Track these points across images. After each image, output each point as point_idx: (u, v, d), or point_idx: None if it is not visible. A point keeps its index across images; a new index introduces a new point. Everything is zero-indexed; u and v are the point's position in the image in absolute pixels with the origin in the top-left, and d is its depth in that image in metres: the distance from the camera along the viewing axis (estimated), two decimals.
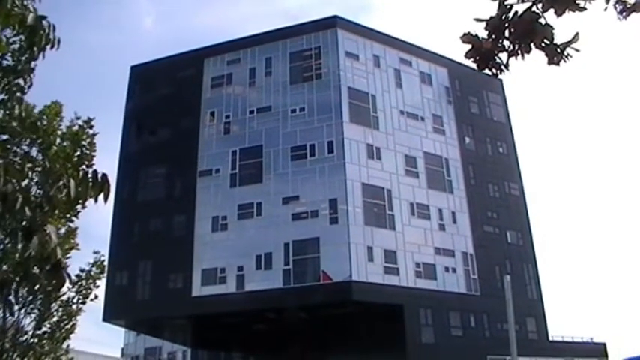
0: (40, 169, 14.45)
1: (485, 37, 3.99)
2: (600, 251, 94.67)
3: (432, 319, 35.02)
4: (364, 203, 34.37)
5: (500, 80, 45.02)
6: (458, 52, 44.09)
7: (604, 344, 40.33)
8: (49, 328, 19.91)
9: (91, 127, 17.58)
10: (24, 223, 3.98)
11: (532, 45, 3.97)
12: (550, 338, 38.85)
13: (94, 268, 21.23)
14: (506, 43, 4.01)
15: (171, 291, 35.66)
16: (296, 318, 35.76)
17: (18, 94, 6.37)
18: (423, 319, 34.79)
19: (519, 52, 4.00)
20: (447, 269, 36.13)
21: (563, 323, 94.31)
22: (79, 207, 16.52)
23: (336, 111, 36.05)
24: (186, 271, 35.33)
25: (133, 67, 43.28)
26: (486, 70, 4.05)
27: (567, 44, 3.95)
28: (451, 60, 42.33)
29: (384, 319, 34.26)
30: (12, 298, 4.96)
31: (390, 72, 39.49)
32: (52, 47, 4.65)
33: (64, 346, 20.95)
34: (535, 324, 38.63)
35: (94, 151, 17.20)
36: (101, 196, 4.11)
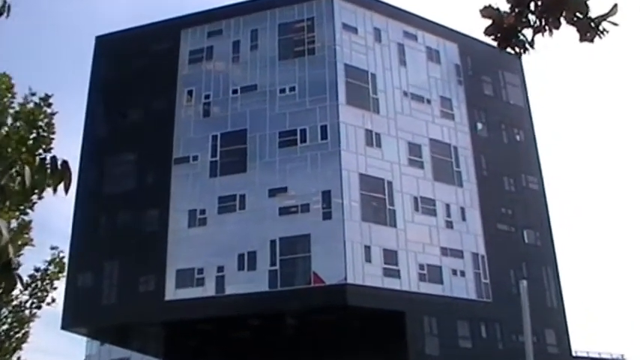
0: None
1: (508, 10, 3.90)
2: (633, 254, 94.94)
3: (438, 328, 35.32)
4: (361, 196, 34.52)
5: (519, 58, 45.14)
6: (470, 24, 44.19)
7: None
8: None
9: (48, 106, 17.31)
10: None
11: (562, 19, 3.88)
12: (573, 353, 39.23)
13: (51, 267, 21.05)
14: (531, 17, 3.92)
15: (142, 294, 35.70)
16: (283, 325, 36.01)
17: None
18: (427, 328, 35.08)
19: (547, 27, 3.90)
20: (454, 272, 36.36)
21: (588, 336, 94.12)
22: (34, 197, 16.34)
23: (331, 91, 36.08)
24: (158, 271, 35.40)
25: (98, 38, 43.01)
26: (508, 49, 3.96)
27: (603, 17, 3.86)
28: (462, 34, 42.43)
29: (383, 328, 34.45)
30: None
31: (392, 47, 39.50)
32: (0, 15, 4.54)
33: (15, 358, 20.75)
34: (555, 336, 38.97)
35: (53, 133, 16.98)
36: (61, 186, 4.06)
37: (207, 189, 36.30)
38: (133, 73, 40.53)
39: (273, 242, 33.82)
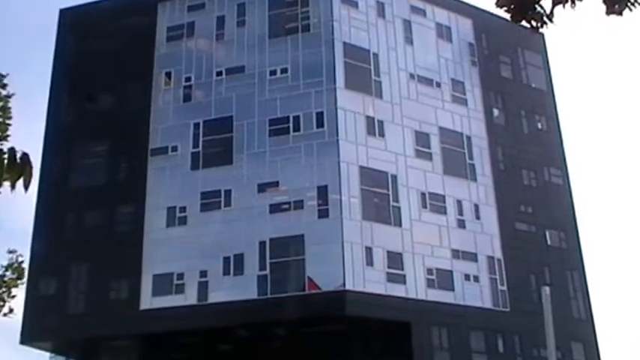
0: None
1: None
2: None
3: (448, 341, 35.48)
4: (362, 192, 34.74)
5: (542, 35, 45.26)
6: None
7: None
8: None
9: (3, 87, 17.21)
10: None
11: None
12: None
13: (8, 273, 21.01)
14: None
15: (114, 303, 35.82)
16: (274, 337, 36.07)
17: None
18: (436, 341, 35.22)
19: None
20: (467, 277, 36.56)
21: (620, 351, 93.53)
22: None
23: (328, 74, 36.20)
24: (133, 277, 35.55)
25: (63, 12, 42.93)
26: (524, 23, 3.94)
27: None
28: (477, 9, 42.51)
29: (387, 341, 34.71)
30: None
31: (397, 24, 39.62)
32: None
33: None
34: (583, 351, 39.16)
35: (9, 118, 16.87)
36: (20, 181, 4.02)
37: (189, 184, 36.47)
38: (104, 51, 40.49)
39: (262, 244, 34.01)
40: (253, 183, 35.37)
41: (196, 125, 37.44)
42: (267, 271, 33.72)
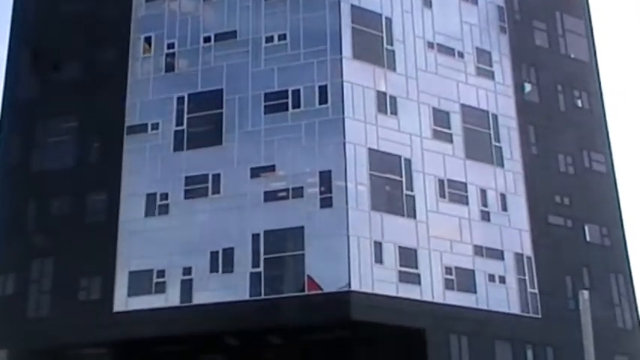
0: None
1: None
2: None
3: (469, 351, 35.83)
4: (371, 178, 35.23)
5: None
6: None
7: None
8: None
9: None
10: None
11: None
12: None
13: None
14: None
15: (83, 304, 36.37)
16: (268, 346, 36.59)
17: None
18: (454, 352, 35.56)
19: None
20: (491, 278, 37.15)
21: None
22: None
23: (333, 41, 36.66)
24: (106, 274, 36.13)
25: None
26: None
27: None
28: None
29: (398, 350, 35.02)
30: None
31: None
32: None
33: None
34: None
35: None
36: None
37: (171, 167, 37.01)
38: (72, 13, 41.04)
39: (255, 237, 34.56)
40: (246, 167, 35.73)
41: (180, 99, 37.84)
42: (261, 269, 34.10)
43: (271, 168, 35.83)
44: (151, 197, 36.95)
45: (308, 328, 34.55)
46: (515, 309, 37.43)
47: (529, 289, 38.03)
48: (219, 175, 36.29)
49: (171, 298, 35.25)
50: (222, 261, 34.94)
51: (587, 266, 40.48)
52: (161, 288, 35.49)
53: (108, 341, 36.43)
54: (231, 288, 34.47)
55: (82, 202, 38.40)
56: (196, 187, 36.45)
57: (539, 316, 37.78)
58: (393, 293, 34.15)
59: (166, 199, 36.76)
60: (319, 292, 33.46)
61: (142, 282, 35.71)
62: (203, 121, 37.56)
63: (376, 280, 33.90)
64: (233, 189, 35.89)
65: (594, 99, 45.08)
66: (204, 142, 37.15)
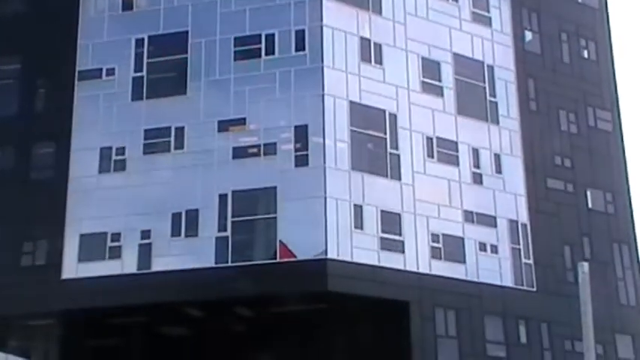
0: None
1: None
2: None
3: (457, 327, 37.06)
4: (352, 135, 36.12)
5: None
6: None
7: None
8: None
9: None
10: None
11: None
12: None
13: None
14: None
15: (28, 271, 37.13)
16: (235, 319, 37.63)
17: None
18: (440, 328, 36.70)
19: None
20: (482, 247, 38.25)
21: None
22: None
23: None
24: (53, 237, 36.86)
25: None
26: None
27: None
28: None
29: (378, 325, 36.13)
30: None
31: None
32: None
33: None
34: (632, 346, 41.14)
35: None
36: None
37: (129, 118, 37.64)
38: None
39: (223, 197, 35.44)
40: (213, 120, 36.48)
41: (139, 42, 38.39)
42: (229, 233, 34.92)
43: (241, 121, 36.48)
44: (105, 152, 37.50)
45: (280, 299, 35.39)
46: (507, 281, 38.56)
47: (524, 260, 39.19)
48: (182, 128, 36.96)
49: (127, 264, 36.02)
50: (186, 224, 35.68)
51: (588, 235, 41.70)
52: (116, 253, 36.23)
53: (55, 312, 36.93)
54: (194, 254, 35.29)
55: (27, 155, 39.08)
56: (157, 141, 37.10)
57: (534, 289, 38.98)
58: (374, 262, 35.13)
59: (123, 154, 37.36)
60: (293, 259, 34.25)
61: (94, 246, 36.36)
62: (165, 67, 38.07)
63: (356, 247, 34.84)
64: (198, 144, 36.58)
65: (602, 50, 45.87)
66: (166, 91, 37.76)
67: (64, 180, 37.77)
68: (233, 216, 35.46)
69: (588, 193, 42.87)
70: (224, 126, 36.73)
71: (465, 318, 37.38)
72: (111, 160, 37.60)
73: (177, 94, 37.68)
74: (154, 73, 38.24)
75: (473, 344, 37.45)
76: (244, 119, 36.70)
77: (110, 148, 37.71)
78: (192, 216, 35.84)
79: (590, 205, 42.79)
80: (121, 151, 37.60)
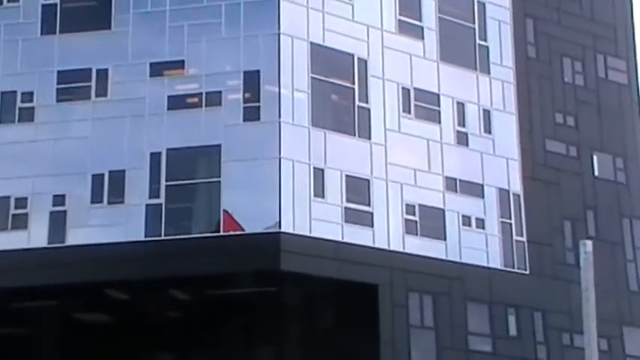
0: None
1: None
2: None
3: (434, 315, 38.54)
4: (313, 83, 37.33)
5: None
6: None
7: None
8: None
9: None
10: None
11: None
12: None
13: None
14: None
15: None
16: (168, 303, 38.83)
17: None
18: (415, 315, 38.12)
19: None
20: (466, 222, 39.84)
21: None
22: None
23: None
24: None
25: None
26: None
27: None
28: None
29: (341, 311, 37.53)
30: None
31: None
32: None
33: None
34: None
35: None
36: None
37: (38, 57, 38.50)
38: None
39: (156, 156, 36.59)
40: (144, 61, 37.47)
41: None
42: (162, 200, 36.07)
43: (179, 64, 37.55)
44: (7, 97, 38.39)
45: (223, 280, 36.53)
46: (495, 262, 40.22)
47: (515, 237, 40.77)
48: (106, 71, 37.86)
49: (35, 236, 36.95)
50: (109, 188, 36.72)
51: (593, 209, 43.30)
52: (22, 222, 37.22)
53: None
54: (120, 225, 36.43)
55: None
56: (74, 86, 38.04)
57: (527, 271, 40.67)
58: (336, 237, 36.52)
59: (31, 100, 38.18)
60: (239, 232, 35.47)
61: None
62: None
63: (315, 219, 36.22)
64: (125, 91, 37.52)
65: None
66: (86, 24, 38.47)
67: None
68: (167, 179, 36.42)
69: (595, 158, 44.13)
70: (157, 69, 37.56)
71: (444, 305, 38.73)
72: (15, 108, 38.30)
73: (99, 28, 38.40)
74: (69, 2, 38.79)
75: (453, 336, 38.86)
76: (182, 62, 37.60)
77: (14, 92, 38.40)
78: (118, 178, 36.74)
79: (596, 173, 44.05)
80: (28, 97, 38.27)
